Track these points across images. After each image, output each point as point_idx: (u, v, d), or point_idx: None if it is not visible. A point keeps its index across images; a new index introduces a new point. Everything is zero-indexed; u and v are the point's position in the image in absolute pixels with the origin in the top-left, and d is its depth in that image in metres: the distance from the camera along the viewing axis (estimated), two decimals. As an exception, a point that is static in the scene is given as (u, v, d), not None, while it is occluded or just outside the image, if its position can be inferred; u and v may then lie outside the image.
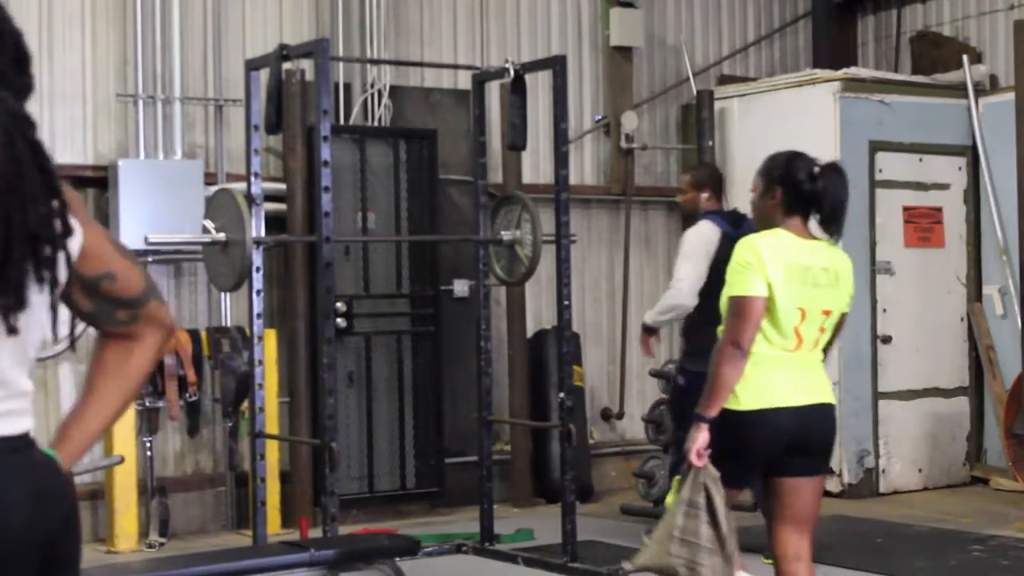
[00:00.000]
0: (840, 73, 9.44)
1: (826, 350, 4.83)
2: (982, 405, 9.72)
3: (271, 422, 7.66)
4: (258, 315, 6.59)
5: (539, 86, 8.88)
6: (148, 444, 7.96)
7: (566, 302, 6.97)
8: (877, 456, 9.28)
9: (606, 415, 9.88)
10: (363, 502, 8.54)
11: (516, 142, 7.26)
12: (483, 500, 7.33)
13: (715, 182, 7.37)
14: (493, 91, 8.80)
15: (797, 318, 4.64)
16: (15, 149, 2.14)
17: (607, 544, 7.49)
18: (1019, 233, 8.75)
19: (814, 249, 4.75)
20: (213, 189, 7.57)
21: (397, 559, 5.66)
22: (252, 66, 6.77)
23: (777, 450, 4.66)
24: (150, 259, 7.99)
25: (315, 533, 7.03)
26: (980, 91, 9.72)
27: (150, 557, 7.39)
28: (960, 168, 9.71)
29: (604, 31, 9.92)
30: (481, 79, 7.53)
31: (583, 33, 9.92)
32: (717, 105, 9.77)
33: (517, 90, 7.13)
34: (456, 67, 9.01)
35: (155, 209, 7.86)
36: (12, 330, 2.16)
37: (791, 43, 10.90)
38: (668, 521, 4.67)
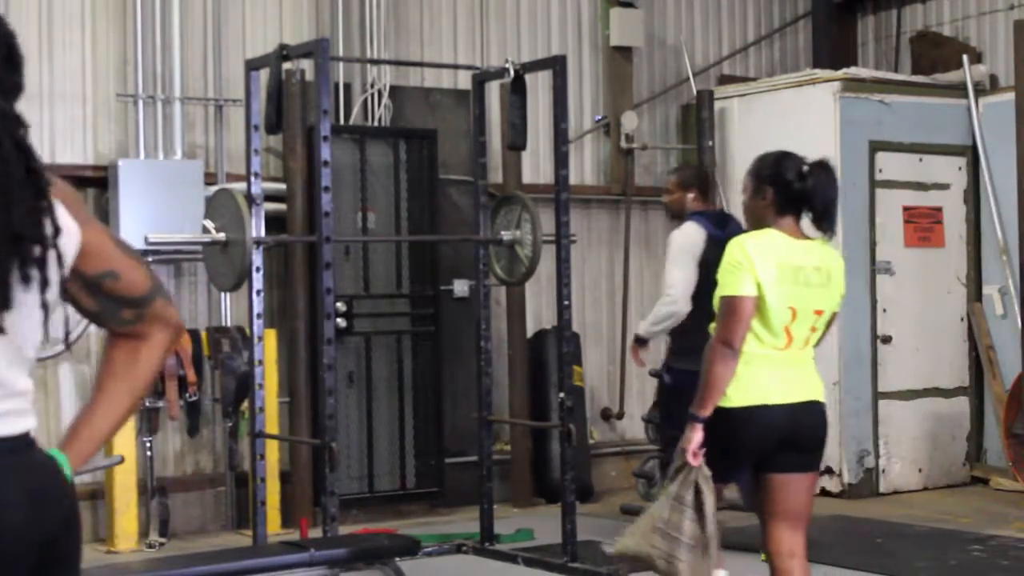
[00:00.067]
0: (840, 73, 9.44)
1: (815, 345, 4.87)
2: (982, 405, 9.72)
3: (271, 422, 7.66)
4: (258, 315, 6.60)
5: (539, 86, 8.88)
6: (148, 444, 7.96)
7: (566, 302, 6.97)
8: (877, 456, 9.28)
9: (606, 415, 9.88)
10: (363, 502, 8.54)
11: (516, 142, 7.26)
12: (483, 500, 7.33)
13: (701, 182, 7.40)
14: (493, 91, 8.80)
15: (788, 317, 4.67)
16: (1, 149, 2.14)
17: (607, 544, 7.49)
18: (1019, 233, 8.75)
19: (806, 249, 4.78)
20: (213, 189, 7.57)
21: (397, 559, 5.66)
22: (252, 66, 6.77)
23: (768, 447, 4.70)
24: (150, 259, 7.99)
25: (315, 533, 7.03)
26: (980, 91, 9.72)
27: (150, 557, 7.39)
28: (960, 168, 9.71)
29: (604, 31, 9.92)
30: (481, 79, 7.53)
31: (583, 33, 9.92)
32: (717, 105, 9.78)
33: (517, 90, 7.13)
34: (456, 67, 9.01)
35: (155, 209, 7.86)
36: (0, 330, 2.16)
37: (791, 43, 10.90)
38: (654, 512, 4.72)
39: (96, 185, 8.03)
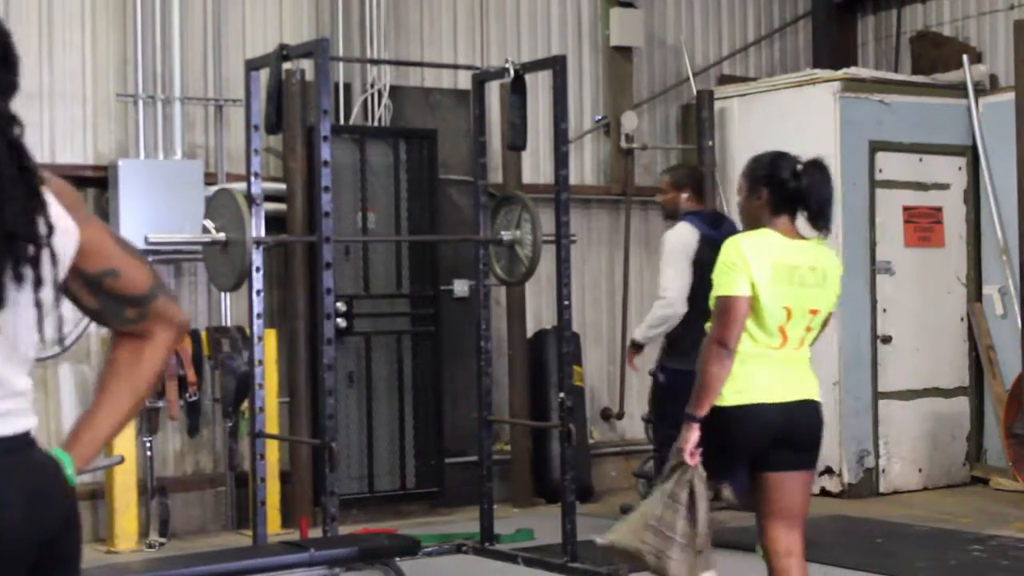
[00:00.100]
0: (840, 73, 9.44)
1: (810, 344, 4.89)
2: (982, 405, 9.72)
3: (271, 422, 7.66)
4: (258, 315, 6.59)
5: (539, 86, 8.88)
6: (148, 444, 7.96)
7: (566, 302, 6.97)
8: (877, 456, 9.28)
9: (606, 415, 9.88)
10: (363, 502, 8.54)
11: (516, 142, 7.26)
12: (483, 500, 7.33)
13: (695, 182, 7.41)
14: (493, 91, 8.80)
15: (783, 317, 4.70)
16: None
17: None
18: (1019, 233, 8.75)
19: (801, 248, 4.80)
20: (213, 189, 7.57)
21: (397, 559, 5.66)
22: (252, 66, 6.77)
23: (762, 445, 4.73)
24: (150, 259, 7.98)
25: (315, 533, 7.03)
26: (980, 91, 9.72)
27: (150, 557, 7.39)
28: (960, 168, 9.71)
29: (604, 31, 9.92)
30: (481, 79, 7.53)
31: (583, 33, 9.92)
32: (717, 105, 9.78)
33: (517, 90, 7.13)
34: (456, 67, 9.01)
35: (155, 209, 7.86)
36: None
37: (791, 43, 10.90)
38: (646, 508, 4.75)
39: (96, 185, 8.03)
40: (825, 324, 4.90)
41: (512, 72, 7.10)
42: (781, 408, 4.71)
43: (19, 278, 2.15)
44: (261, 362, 6.65)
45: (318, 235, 6.38)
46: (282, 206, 8.24)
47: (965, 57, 9.73)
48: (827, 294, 4.83)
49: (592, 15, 9.94)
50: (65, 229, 2.25)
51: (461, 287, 9.04)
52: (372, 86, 8.93)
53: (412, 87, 9.14)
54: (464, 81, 8.68)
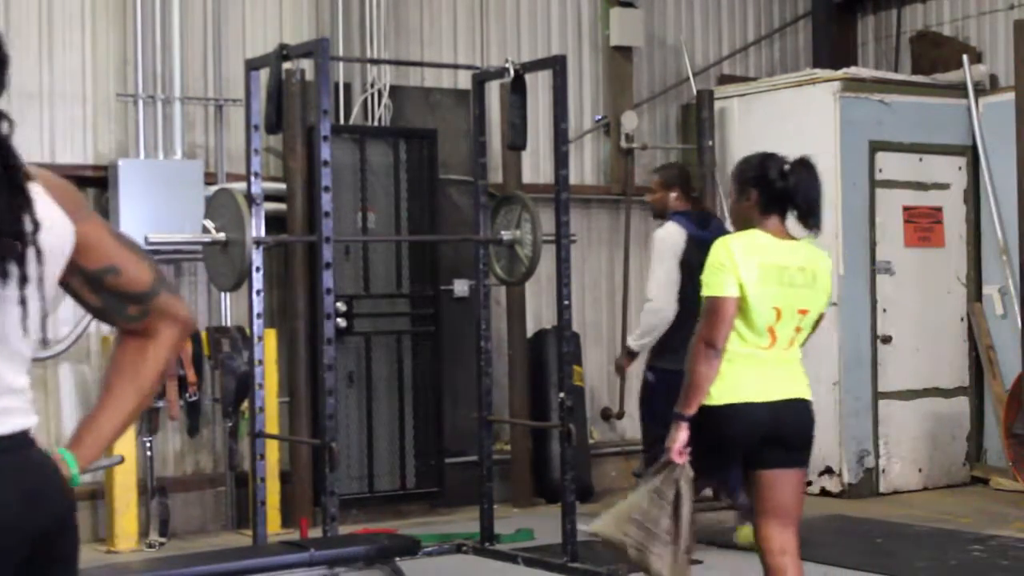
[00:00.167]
0: (840, 73, 9.44)
1: (801, 344, 4.93)
2: (982, 405, 9.72)
3: (271, 422, 7.66)
4: (258, 315, 6.60)
5: (539, 86, 8.88)
6: (148, 444, 7.96)
7: (566, 302, 6.98)
8: (877, 456, 9.28)
9: (606, 415, 9.88)
10: (363, 502, 8.54)
11: (516, 142, 7.26)
12: (483, 500, 7.33)
13: (684, 181, 7.45)
14: (493, 91, 8.80)
15: (772, 317, 4.73)
16: None
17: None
18: (1019, 233, 8.75)
19: (791, 249, 4.83)
20: (213, 189, 7.57)
21: (397, 559, 5.66)
22: (252, 66, 6.77)
23: (752, 443, 4.76)
24: (150, 259, 7.98)
25: (315, 533, 7.03)
26: (980, 91, 9.72)
27: (150, 557, 7.39)
28: (960, 168, 9.71)
29: (604, 31, 9.92)
30: (481, 79, 7.53)
31: (583, 33, 9.92)
32: (717, 105, 9.78)
33: (517, 90, 7.13)
34: (456, 67, 9.01)
35: (155, 209, 7.86)
36: None
37: (791, 43, 10.90)
38: (631, 502, 4.80)
39: (96, 185, 8.03)
40: (817, 324, 4.94)
41: (512, 72, 7.10)
42: (769, 407, 4.75)
43: (4, 275, 2.15)
44: (261, 362, 6.65)
45: (318, 235, 6.38)
46: (282, 206, 8.24)
47: (965, 57, 9.73)
48: (817, 294, 4.85)
49: (592, 15, 9.94)
50: (55, 226, 2.24)
51: (461, 287, 9.04)
52: (372, 86, 8.93)
53: (412, 87, 9.14)
54: (464, 81, 8.68)
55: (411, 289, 8.82)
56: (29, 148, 7.71)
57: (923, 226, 9.58)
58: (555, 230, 6.97)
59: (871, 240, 9.31)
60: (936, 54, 10.20)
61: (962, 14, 10.30)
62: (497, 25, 9.56)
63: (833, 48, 10.55)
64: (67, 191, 2.31)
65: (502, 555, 7.19)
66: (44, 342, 2.29)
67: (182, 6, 8.29)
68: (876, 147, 9.35)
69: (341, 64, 8.71)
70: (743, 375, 4.72)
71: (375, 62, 8.83)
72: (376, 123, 8.89)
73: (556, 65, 7.06)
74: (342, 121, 8.71)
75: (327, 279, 6.31)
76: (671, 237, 7.11)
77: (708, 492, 7.43)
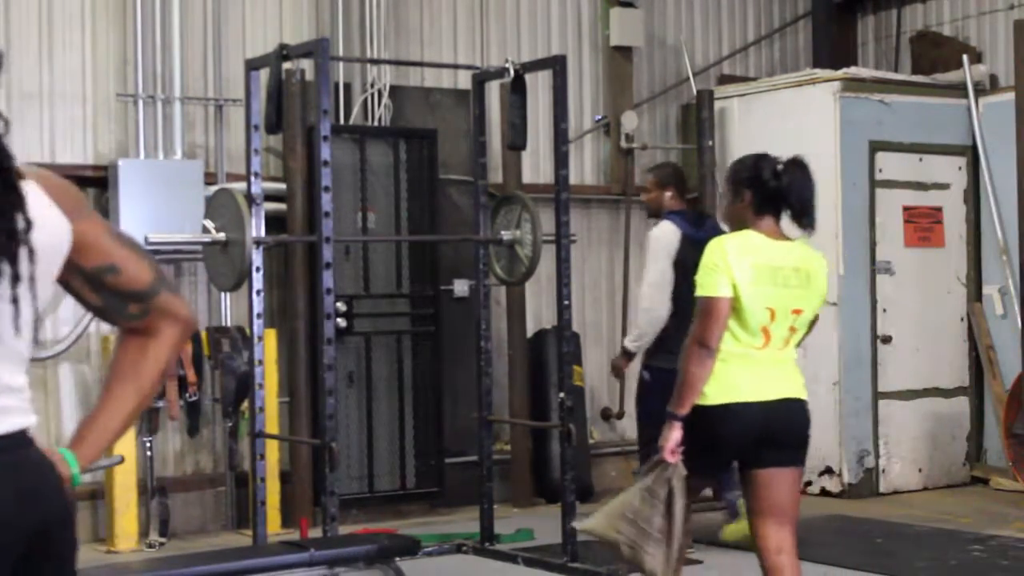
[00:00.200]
0: (840, 73, 9.44)
1: (797, 345, 4.94)
2: (982, 405, 9.72)
3: (271, 422, 7.66)
4: (258, 315, 6.60)
5: (539, 86, 8.88)
6: (148, 444, 7.96)
7: (566, 302, 6.98)
8: (877, 456, 9.28)
9: (606, 415, 9.88)
10: (363, 502, 8.54)
11: (516, 142, 7.26)
12: (483, 500, 7.33)
13: (679, 180, 7.48)
14: (493, 91, 8.80)
15: (766, 317, 4.74)
16: None
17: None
18: (1019, 233, 8.75)
19: (786, 249, 4.85)
20: (213, 189, 7.57)
21: (397, 559, 5.66)
22: (252, 66, 6.77)
23: (746, 443, 4.77)
24: (150, 259, 7.98)
25: (315, 533, 7.03)
26: (980, 91, 9.72)
27: (150, 557, 7.39)
28: (960, 168, 9.71)
29: (604, 31, 9.92)
30: (481, 79, 7.53)
31: (583, 33, 9.92)
32: (717, 105, 9.78)
33: (517, 90, 7.13)
34: (456, 67, 9.01)
35: (155, 209, 7.86)
36: None
37: (791, 43, 10.90)
38: (623, 500, 4.83)
39: (96, 185, 8.03)
40: (812, 325, 4.95)
41: (512, 72, 7.11)
42: (762, 407, 4.76)
43: None
44: (261, 362, 6.65)
45: (318, 235, 6.38)
46: (282, 206, 8.24)
47: (965, 57, 9.73)
48: (811, 295, 4.86)
49: (592, 15, 9.94)
50: (49, 224, 2.23)
51: (461, 287, 9.04)
52: (372, 86, 8.93)
53: (412, 87, 9.14)
54: (464, 81, 8.68)
55: (411, 289, 8.82)
56: (29, 148, 7.71)
57: (923, 226, 9.58)
58: (555, 230, 6.98)
59: (871, 240, 9.31)
60: (936, 54, 10.20)
61: (962, 14, 10.30)
62: (497, 25, 9.56)
63: (833, 48, 10.55)
64: (66, 190, 2.31)
65: (502, 555, 7.19)
66: (36, 341, 2.27)
67: (182, 6, 8.29)
68: (876, 147, 9.35)
69: (341, 64, 8.71)
70: (737, 375, 4.74)
71: (375, 62, 8.83)
72: (376, 123, 8.89)
73: (556, 65, 7.06)
74: (342, 121, 8.71)
75: (327, 279, 6.31)
76: (665, 236, 7.13)
77: (709, 492, 7.44)
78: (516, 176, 8.99)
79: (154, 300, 2.40)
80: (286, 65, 6.79)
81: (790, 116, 9.32)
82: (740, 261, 4.71)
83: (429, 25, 9.29)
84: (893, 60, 10.62)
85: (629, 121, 9.81)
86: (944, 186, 9.66)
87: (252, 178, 6.62)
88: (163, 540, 7.80)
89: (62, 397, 7.92)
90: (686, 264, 6.30)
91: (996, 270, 9.52)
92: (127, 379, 2.39)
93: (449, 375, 8.93)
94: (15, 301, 2.18)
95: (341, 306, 8.29)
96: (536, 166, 9.46)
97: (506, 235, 7.27)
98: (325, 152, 6.32)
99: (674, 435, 4.70)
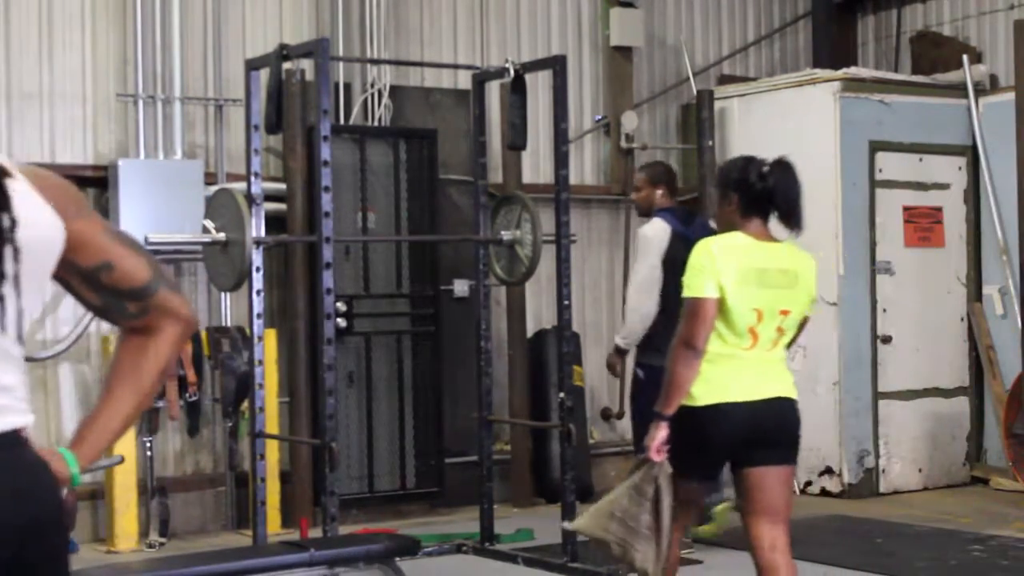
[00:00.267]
0: (840, 73, 9.44)
1: (788, 346, 4.96)
2: (982, 405, 9.72)
3: (271, 422, 7.66)
4: (258, 315, 6.60)
5: (539, 86, 8.88)
6: (148, 444, 7.96)
7: (566, 302, 6.98)
8: (877, 456, 9.28)
9: (606, 415, 9.88)
10: (363, 502, 8.54)
11: (516, 142, 7.26)
12: (483, 500, 7.33)
13: (669, 179, 7.49)
14: (493, 91, 8.80)
15: (753, 318, 4.76)
16: None
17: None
18: (1019, 233, 8.75)
19: (773, 251, 4.88)
20: (213, 189, 7.57)
21: (397, 559, 5.66)
22: (252, 66, 6.77)
23: (735, 443, 4.80)
24: (150, 259, 7.98)
25: (315, 533, 7.03)
26: (980, 91, 9.72)
27: (150, 557, 7.39)
28: (960, 168, 9.71)
29: (604, 31, 9.92)
30: (481, 79, 7.53)
31: (583, 33, 9.92)
32: (717, 105, 9.77)
33: (517, 90, 7.14)
34: (456, 67, 9.01)
35: (155, 209, 7.87)
36: None
37: (791, 43, 10.90)
38: (611, 498, 4.88)
39: (96, 185, 8.03)
40: (803, 326, 4.98)
41: (512, 72, 7.11)
42: (749, 407, 4.78)
43: None
44: (261, 362, 6.65)
45: (318, 235, 6.38)
46: (282, 206, 8.24)
47: (965, 57, 9.73)
48: (799, 295, 4.88)
49: (592, 15, 9.94)
50: (39, 223, 2.22)
51: (461, 287, 9.04)
52: (372, 86, 8.93)
53: (412, 87, 9.14)
54: (464, 81, 8.68)
55: (411, 289, 8.82)
56: (29, 148, 7.72)
57: (923, 226, 9.58)
58: (555, 230, 6.98)
59: (871, 240, 9.31)
60: (936, 54, 10.20)
61: (962, 14, 10.30)
62: (497, 25, 9.56)
63: (833, 48, 10.55)
64: (61, 189, 2.30)
65: (502, 555, 7.19)
66: (21, 339, 2.26)
67: (182, 6, 8.29)
68: (876, 147, 9.35)
69: (341, 64, 8.71)
70: (725, 376, 4.76)
71: (375, 62, 8.83)
72: (376, 123, 8.89)
73: (556, 65, 7.06)
74: (342, 121, 8.71)
75: (327, 279, 6.31)
76: (657, 234, 7.14)
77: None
78: (516, 176, 8.99)
79: (152, 298, 2.38)
80: (286, 65, 6.79)
81: (790, 116, 9.32)
82: (726, 262, 4.73)
83: (429, 25, 9.29)
84: (893, 60, 10.63)
85: (629, 121, 9.81)
86: (944, 186, 9.66)
87: (252, 178, 6.62)
88: (163, 540, 7.80)
89: (62, 397, 7.92)
90: (675, 261, 6.33)
91: (996, 270, 9.52)
92: (127, 379, 2.38)
93: (449, 375, 8.93)
94: (1, 299, 2.17)
95: (341, 306, 8.29)
96: (536, 166, 9.46)
97: (506, 235, 7.27)
98: (325, 152, 6.32)
99: (660, 434, 4.73)
